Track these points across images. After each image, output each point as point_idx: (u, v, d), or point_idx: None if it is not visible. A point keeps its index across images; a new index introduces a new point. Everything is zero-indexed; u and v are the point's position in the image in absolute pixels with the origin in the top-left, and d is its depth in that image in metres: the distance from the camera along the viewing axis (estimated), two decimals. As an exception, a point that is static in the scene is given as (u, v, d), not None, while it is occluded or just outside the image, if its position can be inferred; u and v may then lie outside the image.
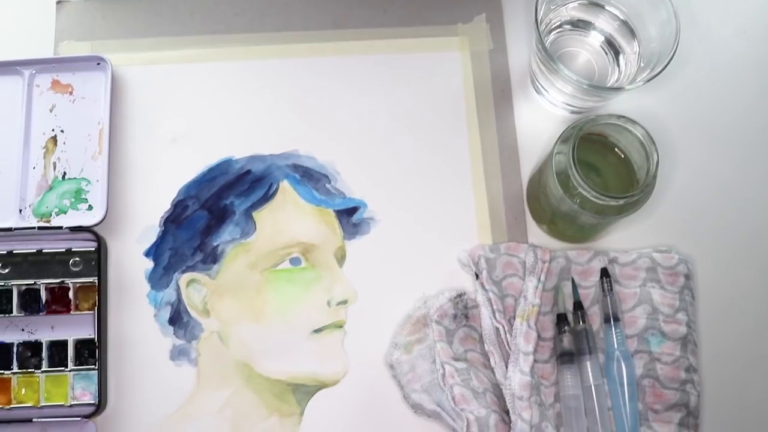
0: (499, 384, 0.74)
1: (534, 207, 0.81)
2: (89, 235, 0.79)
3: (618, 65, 0.81)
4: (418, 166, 0.83)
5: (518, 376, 0.73)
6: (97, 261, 0.79)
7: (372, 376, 0.78)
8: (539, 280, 0.76)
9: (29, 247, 0.80)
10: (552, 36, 0.81)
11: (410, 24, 0.86)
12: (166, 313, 0.79)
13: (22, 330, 0.79)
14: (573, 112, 0.83)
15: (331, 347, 0.78)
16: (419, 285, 0.80)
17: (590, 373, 0.75)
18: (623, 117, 0.73)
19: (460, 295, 0.77)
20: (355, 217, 0.81)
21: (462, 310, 0.77)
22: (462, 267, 0.79)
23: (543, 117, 0.84)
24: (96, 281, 0.78)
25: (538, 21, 0.75)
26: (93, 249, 0.79)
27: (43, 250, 0.80)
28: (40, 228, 0.80)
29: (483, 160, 0.83)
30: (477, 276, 0.76)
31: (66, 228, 0.79)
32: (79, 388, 0.77)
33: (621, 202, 0.71)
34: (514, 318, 0.76)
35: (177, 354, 0.79)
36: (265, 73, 0.85)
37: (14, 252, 0.79)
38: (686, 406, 0.75)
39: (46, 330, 0.79)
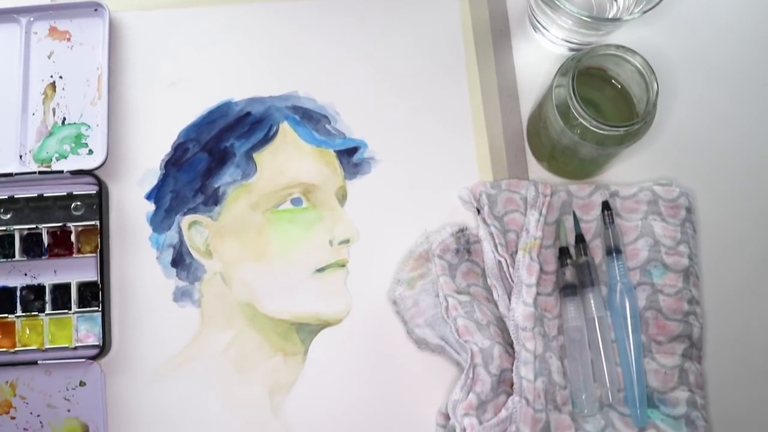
0: (503, 317, 0.74)
1: (534, 143, 0.81)
2: (90, 179, 0.79)
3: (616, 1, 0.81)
4: (417, 106, 0.82)
5: (521, 307, 0.73)
6: (98, 204, 0.79)
7: (375, 313, 0.78)
8: (540, 213, 0.76)
9: (30, 192, 0.79)
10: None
11: (407, -36, 0.85)
12: (169, 255, 0.79)
13: (25, 275, 0.80)
14: (572, 50, 0.83)
15: (334, 286, 0.79)
16: (420, 223, 0.80)
17: (593, 306, 0.75)
18: (622, 47, 0.73)
19: (462, 230, 0.77)
20: (355, 157, 0.81)
21: (464, 245, 0.77)
22: (463, 204, 0.79)
23: (542, 55, 0.84)
24: (98, 224, 0.78)
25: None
26: (94, 192, 0.79)
27: (45, 195, 0.79)
28: (40, 173, 0.80)
29: (482, 98, 0.82)
30: (479, 212, 0.76)
31: (67, 172, 0.79)
32: (83, 330, 0.77)
33: (621, 131, 0.71)
34: (517, 252, 0.75)
35: (180, 295, 0.79)
36: (263, 14, 0.85)
37: (15, 197, 0.79)
38: (689, 338, 0.75)
39: (49, 274, 0.79)
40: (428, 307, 0.75)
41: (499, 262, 0.75)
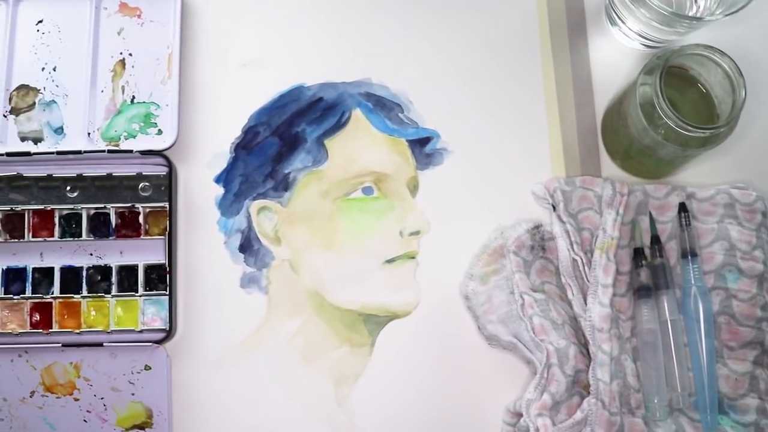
0: (577, 316, 0.73)
1: (610, 140, 0.80)
2: (160, 160, 0.78)
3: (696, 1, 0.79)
4: (491, 97, 0.81)
5: (598, 308, 0.72)
6: (168, 186, 0.77)
7: (444, 307, 0.78)
8: (617, 213, 0.74)
9: (98, 171, 0.77)
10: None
11: (485, -48, 0.84)
12: (237, 240, 0.78)
13: (90, 254, 0.79)
14: (647, 46, 0.82)
15: (403, 278, 0.77)
16: (492, 216, 0.79)
17: (667, 309, 0.74)
18: (710, 47, 0.72)
19: (537, 227, 0.76)
20: (428, 148, 0.79)
21: (539, 242, 0.76)
22: (536, 199, 0.78)
23: (617, 50, 0.83)
24: (167, 206, 0.76)
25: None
26: (164, 174, 0.77)
27: (113, 174, 0.77)
28: (109, 151, 0.78)
29: (557, 92, 0.81)
30: (554, 208, 0.75)
31: (136, 152, 0.77)
32: (150, 313, 0.76)
33: (707, 133, 0.70)
34: (591, 251, 0.74)
35: (247, 281, 0.78)
36: (337, -1, 0.82)
37: (83, 175, 0.77)
38: (761, 344, 0.74)
39: (115, 255, 0.78)
40: (501, 304, 0.74)
41: (575, 260, 0.74)
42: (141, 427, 0.76)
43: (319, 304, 0.77)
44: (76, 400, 0.76)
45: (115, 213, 0.78)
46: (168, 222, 0.77)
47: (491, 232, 0.78)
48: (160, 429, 0.76)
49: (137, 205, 0.77)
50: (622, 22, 0.80)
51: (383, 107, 0.80)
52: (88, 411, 0.76)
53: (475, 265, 0.76)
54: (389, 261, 0.78)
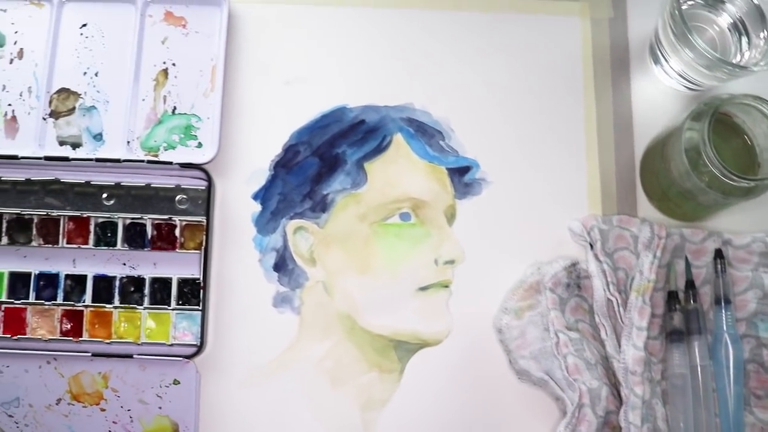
0: (608, 357, 0.74)
1: (648, 181, 0.80)
2: (199, 173, 0.78)
3: (741, 49, 0.80)
4: (531, 130, 0.81)
5: (632, 351, 0.72)
6: (206, 200, 0.77)
7: (475, 338, 0.78)
8: (655, 255, 0.75)
9: (136, 180, 0.77)
10: (684, 7, 0.79)
11: (531, -16, 0.84)
12: (271, 258, 0.78)
13: (124, 264, 0.78)
14: (687, 88, 0.82)
15: (436, 306, 0.78)
16: (526, 250, 0.79)
17: (698, 354, 0.75)
18: (759, 98, 0.72)
19: (573, 264, 0.76)
20: (467, 177, 0.79)
21: (575, 280, 0.76)
22: (572, 236, 0.78)
23: (659, 91, 0.83)
24: (205, 221, 0.76)
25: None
26: (203, 188, 0.77)
27: (152, 185, 0.77)
28: (149, 162, 0.77)
29: (597, 129, 0.82)
30: (591, 246, 0.75)
31: (176, 164, 0.77)
32: (182, 327, 0.76)
33: (752, 184, 0.70)
34: (625, 291, 0.74)
35: (280, 301, 0.77)
36: (384, 21, 0.83)
37: (121, 184, 0.77)
38: (789, 394, 0.74)
39: (148, 266, 0.78)
40: (535, 340, 0.74)
41: (609, 300, 0.74)
42: (166, 441, 0.75)
43: (350, 328, 0.77)
44: (103, 410, 0.76)
45: (152, 224, 0.77)
46: (205, 237, 0.76)
47: (528, 266, 0.78)
48: (186, 444, 0.74)
49: (174, 218, 0.76)
50: (666, 61, 0.81)
51: (424, 133, 0.80)
52: (114, 422, 0.76)
53: (510, 298, 0.76)
54: (423, 288, 0.78)
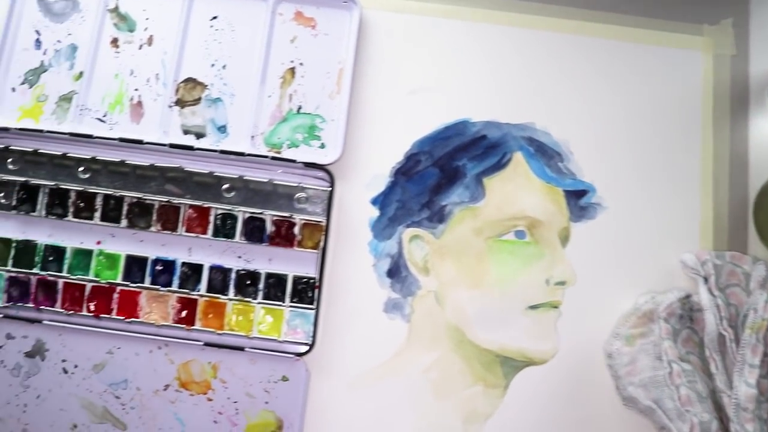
0: (717, 391, 0.74)
1: (762, 220, 0.81)
2: (322, 174, 0.78)
3: None
4: (648, 159, 0.82)
5: (744, 388, 0.72)
6: (327, 201, 0.77)
7: (581, 361, 0.78)
8: (770, 294, 0.75)
9: (258, 176, 0.78)
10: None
11: (656, 16, 0.85)
12: (386, 264, 0.78)
13: (239, 257, 0.79)
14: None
15: (545, 326, 0.78)
16: (635, 278, 0.80)
17: (804, 395, 0.74)
18: None
19: (687, 296, 0.77)
20: (583, 201, 0.80)
21: (688, 312, 0.76)
22: (683, 268, 0.78)
23: (775, 131, 0.83)
24: (324, 221, 0.76)
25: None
26: (325, 188, 0.77)
27: (274, 181, 0.77)
28: (273, 158, 0.78)
29: (713, 164, 0.82)
30: (705, 280, 0.75)
31: (300, 162, 0.77)
32: (294, 325, 0.77)
33: None
34: (736, 327, 0.75)
35: (391, 307, 0.78)
36: (511, 40, 0.84)
37: (244, 178, 0.77)
38: None
39: (263, 261, 0.79)
40: (645, 368, 0.75)
41: (722, 335, 0.74)
42: (269, 436, 0.75)
43: (458, 340, 0.77)
44: (210, 400, 0.76)
45: (271, 220, 0.77)
46: (324, 238, 0.76)
47: (641, 295, 0.78)
48: (289, 441, 0.75)
49: (295, 216, 0.77)
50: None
51: (544, 154, 0.81)
52: (219, 413, 0.76)
53: (622, 325, 0.77)
54: (533, 307, 0.78)
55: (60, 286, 0.77)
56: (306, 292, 0.77)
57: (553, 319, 0.78)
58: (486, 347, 0.77)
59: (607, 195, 0.81)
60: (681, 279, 0.80)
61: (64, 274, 0.77)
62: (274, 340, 0.76)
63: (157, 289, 0.77)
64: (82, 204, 0.78)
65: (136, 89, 0.81)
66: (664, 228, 0.81)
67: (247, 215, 0.78)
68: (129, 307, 0.77)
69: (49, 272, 0.77)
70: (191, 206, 0.77)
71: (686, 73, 0.84)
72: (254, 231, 0.77)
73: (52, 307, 0.77)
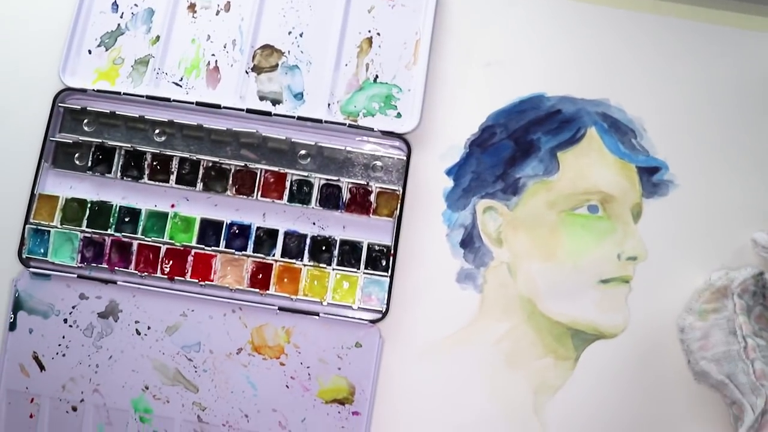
0: (788, 368, 0.74)
1: (833, 202, 0.80)
2: (399, 143, 0.79)
3: None
4: (722, 139, 0.82)
5: (817, 364, 0.72)
6: (404, 169, 0.77)
7: (652, 335, 0.79)
8: (843, 275, 0.75)
9: (335, 143, 0.78)
10: None
11: (738, -2, 0.85)
12: (459, 234, 0.79)
13: (313, 224, 0.79)
14: None
15: (615, 300, 0.78)
16: (706, 256, 0.80)
17: None
18: None
19: (761, 274, 0.77)
20: (655, 177, 0.80)
21: (761, 289, 0.77)
22: (754, 246, 0.79)
23: None
24: (401, 190, 0.77)
25: None
26: (401, 157, 0.78)
27: (349, 149, 0.77)
28: (350, 125, 0.78)
29: (786, 144, 0.81)
30: (778, 258, 0.76)
31: (377, 131, 0.77)
32: (368, 292, 0.77)
33: None
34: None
35: (464, 277, 0.78)
36: (590, 15, 0.84)
37: (320, 144, 0.77)
38: None
39: (337, 228, 0.79)
40: (718, 343, 0.75)
41: (793, 313, 0.75)
42: (341, 402, 0.77)
43: (530, 312, 0.78)
44: (282, 364, 0.76)
45: (347, 188, 0.77)
46: (399, 206, 0.77)
47: (715, 271, 0.78)
48: (360, 407, 0.77)
49: (371, 184, 0.77)
50: None
51: (618, 130, 0.81)
52: (291, 377, 0.76)
53: (696, 300, 0.77)
54: (604, 281, 0.78)
55: (134, 247, 0.77)
56: (380, 259, 0.76)
57: (623, 294, 0.78)
58: (557, 320, 0.78)
59: (680, 173, 0.81)
60: (751, 257, 0.79)
61: (138, 235, 0.76)
62: (349, 306, 0.76)
63: (233, 253, 0.76)
64: (158, 166, 0.77)
65: (213, 54, 0.80)
66: (735, 206, 0.81)
67: (323, 182, 0.77)
68: (203, 270, 0.77)
69: (123, 233, 0.76)
70: (269, 171, 0.77)
71: (763, 54, 0.83)
72: (329, 198, 0.77)
73: (126, 268, 0.77)
